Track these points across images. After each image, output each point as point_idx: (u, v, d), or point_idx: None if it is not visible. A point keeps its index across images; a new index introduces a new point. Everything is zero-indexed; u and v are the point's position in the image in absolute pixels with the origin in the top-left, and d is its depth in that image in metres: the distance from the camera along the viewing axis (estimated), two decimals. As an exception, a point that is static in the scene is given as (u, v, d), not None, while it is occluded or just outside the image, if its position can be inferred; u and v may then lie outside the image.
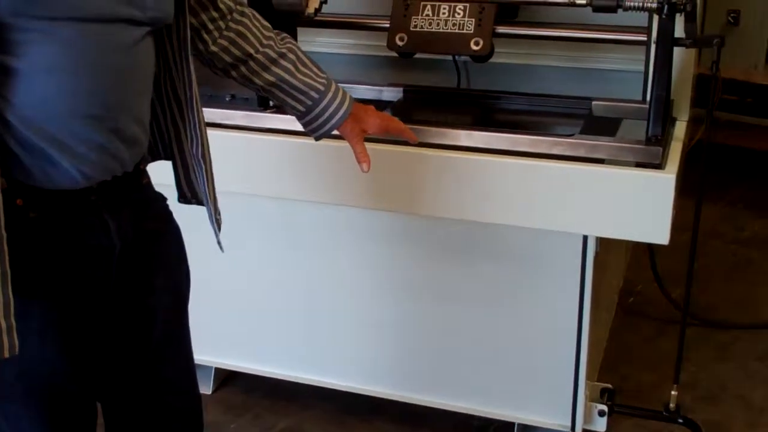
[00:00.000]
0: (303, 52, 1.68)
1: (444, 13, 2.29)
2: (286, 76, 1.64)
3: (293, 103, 1.67)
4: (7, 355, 1.20)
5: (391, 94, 2.38)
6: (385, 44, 2.34)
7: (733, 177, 4.17)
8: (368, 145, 2.00)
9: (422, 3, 2.28)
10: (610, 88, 2.40)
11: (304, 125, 1.72)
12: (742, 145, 4.11)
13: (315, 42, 2.68)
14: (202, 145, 1.52)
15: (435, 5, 2.29)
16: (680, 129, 2.10)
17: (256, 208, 2.30)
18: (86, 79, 1.25)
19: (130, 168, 1.37)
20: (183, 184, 1.56)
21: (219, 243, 1.60)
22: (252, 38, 1.61)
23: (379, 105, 2.29)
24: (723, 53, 1.91)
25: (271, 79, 1.63)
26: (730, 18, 2.49)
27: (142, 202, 1.45)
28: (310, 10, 2.17)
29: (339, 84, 1.73)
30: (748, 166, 4.26)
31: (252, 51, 1.61)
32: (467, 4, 2.25)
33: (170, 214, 1.54)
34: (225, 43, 1.59)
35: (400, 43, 2.32)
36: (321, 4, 2.17)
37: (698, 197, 2.07)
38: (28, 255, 1.26)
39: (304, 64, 1.67)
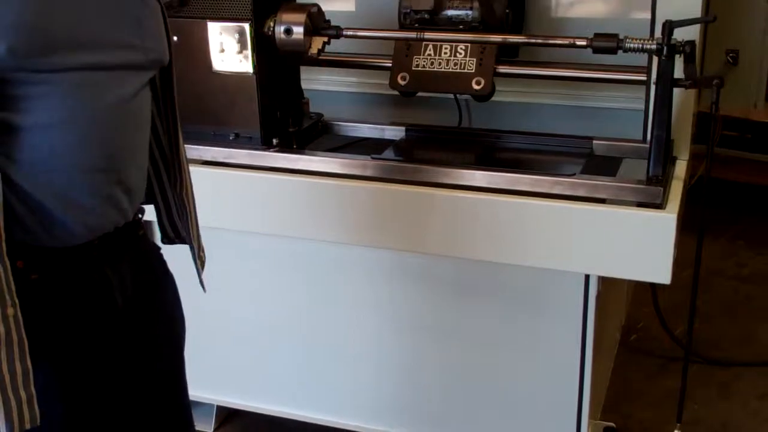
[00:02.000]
0: None
1: (446, 53, 2.31)
2: None
3: None
4: (28, 426, 1.18)
5: (393, 132, 2.39)
6: (388, 83, 2.37)
7: (734, 213, 4.18)
8: (370, 184, 2.03)
9: (424, 43, 2.30)
10: (611, 126, 2.42)
11: None
12: (743, 180, 4.13)
13: (318, 80, 2.71)
14: (185, 185, 1.53)
15: (437, 45, 2.31)
16: (681, 168, 2.11)
17: (259, 245, 2.30)
18: (89, 130, 1.25)
19: (131, 217, 1.38)
20: (166, 224, 1.56)
21: (201, 282, 1.60)
22: None
23: (382, 144, 2.33)
24: (722, 92, 1.92)
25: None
26: (729, 57, 2.51)
27: (140, 254, 1.45)
28: (314, 50, 2.19)
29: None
30: (748, 202, 4.27)
31: None
32: (468, 44, 2.27)
33: (165, 263, 1.55)
34: None
35: (402, 83, 2.35)
36: (324, 44, 2.19)
37: (699, 235, 2.08)
38: (31, 317, 1.22)
39: None
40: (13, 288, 1.17)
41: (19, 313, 1.17)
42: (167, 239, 1.57)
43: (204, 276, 1.62)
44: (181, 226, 1.55)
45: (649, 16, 2.09)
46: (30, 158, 1.21)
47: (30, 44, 1.16)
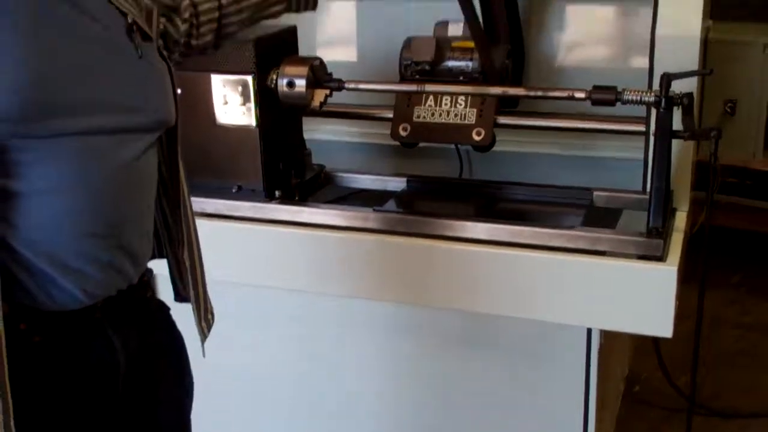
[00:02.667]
0: None
1: (446, 104, 2.33)
2: (249, 2, 1.72)
3: (276, 9, 1.79)
4: None
5: (395, 184, 2.40)
6: (389, 133, 2.39)
7: (736, 260, 4.17)
8: (372, 236, 2.03)
9: (425, 94, 2.32)
10: (612, 175, 2.43)
11: (296, 9, 1.84)
12: (744, 227, 4.12)
13: (320, 130, 2.73)
14: (191, 247, 1.51)
15: (437, 96, 2.33)
16: (681, 219, 2.11)
17: (261, 298, 2.30)
18: (90, 197, 1.22)
19: (135, 281, 1.35)
20: (178, 283, 1.54)
21: (203, 348, 1.57)
22: (212, 4, 1.67)
23: (384, 195, 2.34)
24: (721, 142, 1.94)
25: (244, 15, 1.72)
26: (727, 108, 2.53)
27: (146, 314, 1.43)
28: (316, 103, 2.21)
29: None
30: (751, 249, 4.26)
31: (218, 14, 1.68)
32: (469, 95, 2.29)
33: (173, 324, 1.52)
34: (206, 29, 1.66)
35: (403, 133, 2.36)
36: (326, 97, 2.22)
37: (701, 285, 2.08)
38: (33, 380, 1.21)
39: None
40: (5, 350, 1.15)
41: (7, 379, 1.14)
42: (179, 297, 1.55)
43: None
44: (189, 285, 1.53)
45: (647, 64, 2.11)
46: (29, 224, 1.19)
47: (27, 110, 1.14)
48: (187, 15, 1.62)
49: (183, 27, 1.60)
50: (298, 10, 1.81)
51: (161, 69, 1.38)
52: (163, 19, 1.52)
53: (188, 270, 1.51)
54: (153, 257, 1.52)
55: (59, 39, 1.20)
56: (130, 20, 1.32)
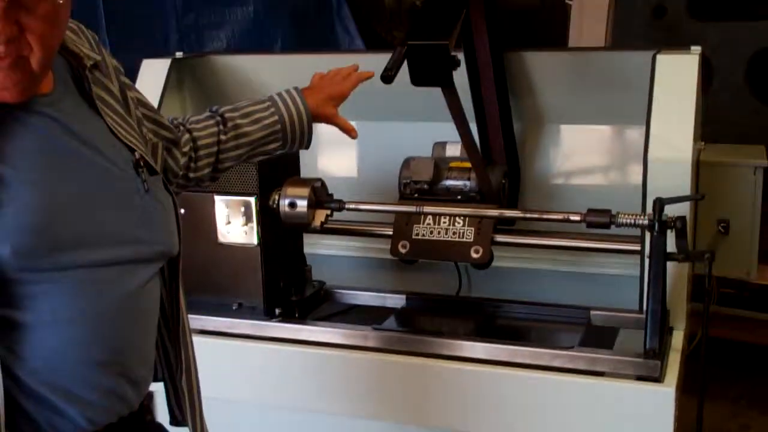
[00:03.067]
0: (234, 107, 1.78)
1: (444, 222, 2.38)
2: (246, 140, 1.75)
3: (270, 147, 1.80)
4: None
5: (394, 300, 2.43)
6: (389, 249, 2.43)
7: (735, 372, 4.15)
8: (372, 355, 2.05)
9: (423, 214, 2.37)
10: (609, 291, 2.46)
11: (290, 148, 1.84)
12: (743, 339, 4.12)
13: (320, 244, 2.76)
14: (189, 374, 1.52)
15: (436, 215, 2.38)
16: (678, 339, 2.13)
17: (260, 416, 2.30)
18: (94, 326, 1.24)
19: (136, 407, 1.36)
20: (174, 406, 1.54)
21: None
22: (211, 140, 1.72)
23: (383, 312, 2.36)
24: (716, 260, 1.98)
25: (241, 152, 1.75)
26: (720, 228, 2.58)
27: None
28: (317, 223, 2.26)
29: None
30: (749, 361, 4.24)
31: (216, 149, 1.72)
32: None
33: None
34: (204, 163, 1.70)
35: (402, 251, 2.40)
36: (327, 217, 2.26)
37: (699, 402, 2.09)
38: None
39: (247, 115, 1.77)
40: None
41: None
42: (175, 421, 1.55)
43: None
44: (186, 410, 1.53)
45: (641, 182, 2.16)
46: (33, 354, 1.21)
47: (35, 246, 1.18)
48: (186, 149, 1.68)
49: (182, 160, 1.66)
50: (292, 149, 1.87)
51: (166, 202, 1.42)
52: (164, 153, 1.57)
53: (186, 396, 1.52)
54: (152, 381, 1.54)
55: (68, 174, 1.25)
56: (137, 155, 1.37)
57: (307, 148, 1.88)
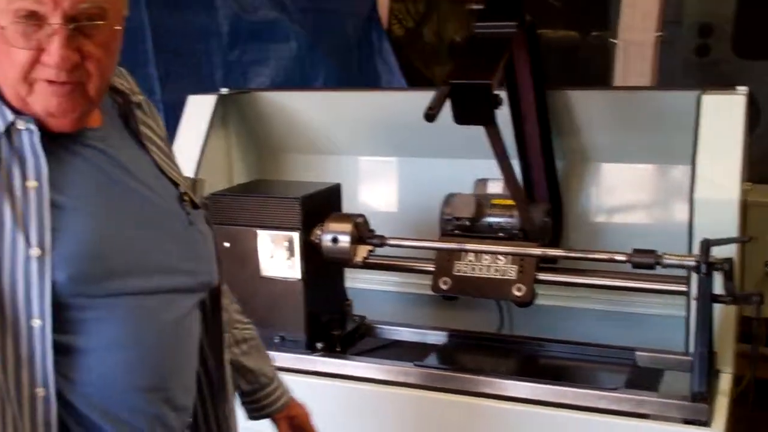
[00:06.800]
0: (260, 341, 1.73)
1: (486, 260, 2.36)
2: (242, 359, 1.66)
3: (241, 381, 1.67)
4: None
5: (435, 337, 2.42)
6: (430, 285, 2.42)
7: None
8: (413, 392, 2.03)
9: (464, 252, 2.36)
10: (654, 332, 2.43)
11: (246, 402, 1.70)
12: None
13: (360, 278, 2.77)
14: (230, 403, 1.53)
15: (477, 253, 2.37)
16: (725, 381, 2.09)
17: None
18: (143, 353, 1.28)
19: None
20: None
21: None
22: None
23: (424, 348, 2.35)
24: (764, 304, 1.94)
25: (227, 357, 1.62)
26: (767, 269, 2.54)
27: None
28: (359, 258, 2.26)
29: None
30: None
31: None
32: (510, 253, 2.33)
33: None
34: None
35: (443, 287, 2.39)
36: (369, 253, 2.27)
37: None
38: None
39: (259, 350, 1.72)
40: None
41: None
42: None
43: None
44: None
45: (686, 222, 2.14)
46: (85, 379, 1.24)
47: (90, 272, 1.22)
48: None
49: None
50: (248, 395, 1.71)
51: (207, 234, 1.46)
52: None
53: (223, 426, 1.53)
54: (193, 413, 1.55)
55: (118, 204, 1.30)
56: (181, 189, 1.42)
57: (250, 418, 1.73)
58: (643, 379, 2.12)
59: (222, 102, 2.75)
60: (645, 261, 2.01)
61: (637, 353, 2.24)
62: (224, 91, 2.82)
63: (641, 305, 2.55)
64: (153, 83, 3.32)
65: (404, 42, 4.89)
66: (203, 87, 3.11)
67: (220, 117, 2.75)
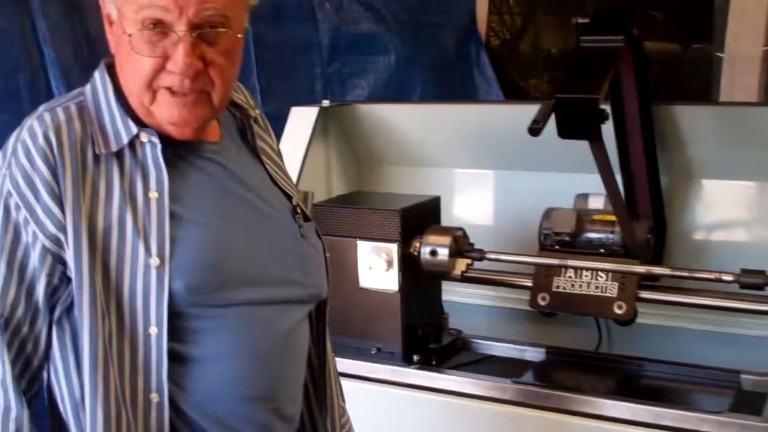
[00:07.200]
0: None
1: (587, 276, 2.33)
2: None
3: None
4: None
5: (533, 354, 2.40)
6: (528, 300, 2.40)
7: None
8: (510, 408, 2.02)
9: (565, 267, 2.33)
10: (757, 355, 2.35)
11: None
12: None
13: (456, 292, 2.76)
14: (333, 414, 1.53)
15: (577, 270, 2.34)
16: (835, 407, 2.02)
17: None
18: (254, 362, 1.30)
19: None
20: None
21: None
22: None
23: (521, 364, 2.33)
24: None
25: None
26: None
27: None
28: (457, 272, 2.27)
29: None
30: None
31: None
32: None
33: None
34: None
35: (542, 303, 2.37)
36: (467, 266, 2.27)
37: None
38: None
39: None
40: None
41: None
42: None
43: None
44: None
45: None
46: (197, 387, 1.27)
47: (206, 282, 1.25)
48: None
49: None
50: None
51: (318, 247, 1.48)
52: None
53: None
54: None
55: (234, 216, 1.34)
56: (294, 203, 1.45)
57: None
58: (748, 402, 2.05)
59: (323, 114, 2.79)
60: (754, 282, 1.95)
61: (742, 376, 2.17)
62: (326, 103, 2.86)
63: (746, 326, 2.47)
64: (255, 95, 3.40)
65: (500, 54, 4.87)
66: (302, 99, 3.16)
67: (321, 128, 2.79)
